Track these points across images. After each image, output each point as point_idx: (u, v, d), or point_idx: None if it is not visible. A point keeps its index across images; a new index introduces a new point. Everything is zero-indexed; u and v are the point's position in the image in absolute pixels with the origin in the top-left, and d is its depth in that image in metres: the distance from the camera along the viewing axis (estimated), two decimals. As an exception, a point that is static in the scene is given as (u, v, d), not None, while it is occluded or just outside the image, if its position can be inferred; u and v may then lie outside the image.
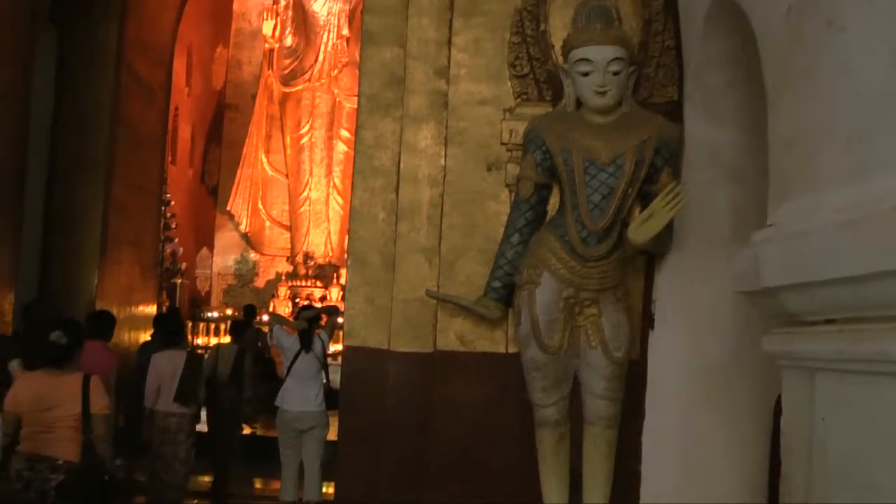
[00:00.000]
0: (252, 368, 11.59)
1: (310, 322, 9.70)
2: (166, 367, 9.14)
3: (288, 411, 9.32)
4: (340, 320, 7.78)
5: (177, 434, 9.12)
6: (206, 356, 11.09)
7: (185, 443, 9.20)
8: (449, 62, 6.40)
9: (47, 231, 13.61)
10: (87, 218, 13.79)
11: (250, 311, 15.63)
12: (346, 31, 23.41)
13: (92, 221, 13.84)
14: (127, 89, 14.67)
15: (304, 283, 22.48)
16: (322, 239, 23.05)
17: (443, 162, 6.33)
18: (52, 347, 6.51)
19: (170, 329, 9.90)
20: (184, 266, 21.23)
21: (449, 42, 6.43)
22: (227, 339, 14.48)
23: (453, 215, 6.29)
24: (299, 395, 9.26)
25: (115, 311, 13.69)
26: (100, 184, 13.88)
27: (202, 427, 10.37)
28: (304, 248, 22.92)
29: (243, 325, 13.30)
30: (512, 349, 6.08)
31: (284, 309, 21.27)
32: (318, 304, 20.58)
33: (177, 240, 20.44)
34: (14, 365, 7.95)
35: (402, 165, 6.37)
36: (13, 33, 11.40)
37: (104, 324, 9.05)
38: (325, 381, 9.48)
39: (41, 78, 12.65)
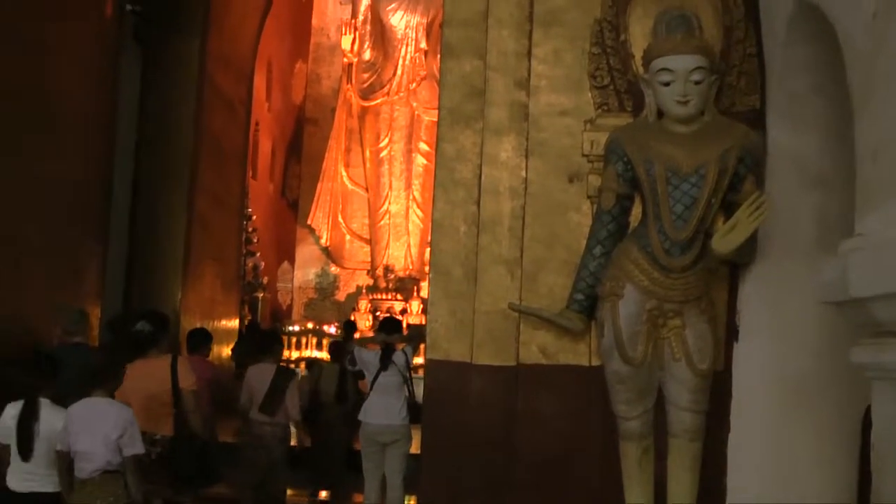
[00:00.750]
0: (354, 386, 11.64)
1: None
2: (259, 380, 9.41)
3: (370, 424, 9.34)
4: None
5: (269, 441, 9.37)
6: (303, 373, 11.29)
7: (277, 448, 9.45)
8: (529, 73, 6.39)
9: (132, 246, 13.81)
10: (170, 233, 13.97)
11: (350, 328, 15.46)
12: (423, 44, 23.50)
13: (175, 236, 14.02)
14: (209, 105, 14.85)
15: (384, 297, 22.55)
16: (402, 252, 23.12)
17: (524, 174, 6.32)
18: (138, 335, 7.15)
19: (262, 343, 10.10)
20: (265, 280, 21.41)
21: (529, 53, 6.42)
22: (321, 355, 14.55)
23: (535, 227, 6.27)
24: (382, 409, 9.27)
25: (198, 325, 14.01)
26: (183, 199, 14.07)
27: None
28: (385, 262, 23.00)
29: (342, 345, 13.34)
30: (595, 361, 6.04)
31: (365, 322, 21.35)
32: (399, 317, 20.70)
33: (258, 254, 20.63)
34: None
35: (483, 178, 6.37)
36: (100, 52, 11.63)
37: (202, 340, 9.50)
38: (408, 394, 9.49)
39: (126, 95, 12.86)
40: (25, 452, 6.15)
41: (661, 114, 5.79)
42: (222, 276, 15.80)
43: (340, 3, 24.93)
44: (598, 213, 5.96)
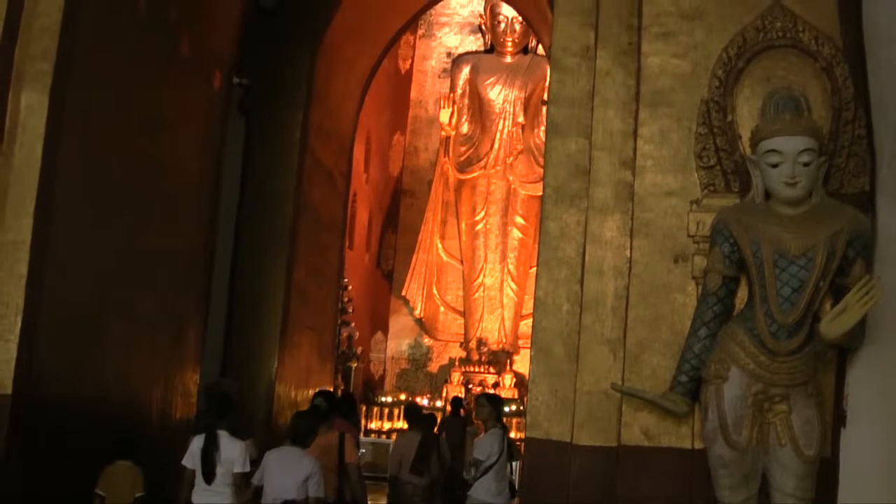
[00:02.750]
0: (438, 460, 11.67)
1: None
2: (407, 445, 10.82)
3: (472, 497, 9.38)
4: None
5: (413, 498, 10.61)
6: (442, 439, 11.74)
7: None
8: (635, 153, 6.41)
9: (231, 314, 13.96)
10: (269, 301, 14.10)
11: (457, 404, 15.31)
12: (521, 119, 23.62)
13: (274, 305, 14.15)
14: (310, 176, 15.05)
15: (477, 369, 22.47)
16: (496, 325, 23.07)
17: (628, 253, 6.31)
18: (315, 410, 8.47)
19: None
20: (359, 350, 21.47)
21: (634, 133, 6.44)
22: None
23: (639, 307, 6.24)
24: (482, 487, 9.30)
25: (292, 394, 14.13)
26: (282, 268, 14.21)
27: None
28: (478, 334, 22.95)
29: (419, 409, 13.36)
30: (698, 445, 5.97)
31: (457, 394, 21.28)
32: (491, 390, 20.62)
33: (353, 324, 20.72)
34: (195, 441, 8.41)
35: (586, 256, 6.37)
36: (208, 124, 11.87)
37: (351, 405, 10.42)
38: (511, 472, 9.57)
39: (229, 165, 13.08)
40: (208, 476, 7.43)
41: (768, 195, 5.74)
42: (318, 346, 15.89)
43: (439, 77, 25.22)
44: (703, 295, 5.92)
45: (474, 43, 25.05)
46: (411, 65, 25.39)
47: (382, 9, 16.51)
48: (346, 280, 19.02)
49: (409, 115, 25.26)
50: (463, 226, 23.71)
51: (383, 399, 21.97)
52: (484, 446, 9.44)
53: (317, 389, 15.35)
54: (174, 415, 11.14)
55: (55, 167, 8.52)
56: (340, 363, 19.42)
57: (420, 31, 25.09)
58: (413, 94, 25.33)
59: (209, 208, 12.13)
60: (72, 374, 8.96)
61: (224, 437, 7.54)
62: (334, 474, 8.34)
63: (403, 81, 25.05)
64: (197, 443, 7.60)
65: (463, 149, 23.87)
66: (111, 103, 9.50)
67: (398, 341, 24.08)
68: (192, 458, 7.57)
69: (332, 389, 16.54)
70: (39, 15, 8.59)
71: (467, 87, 24.21)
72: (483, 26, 24.57)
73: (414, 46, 25.31)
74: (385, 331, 24.17)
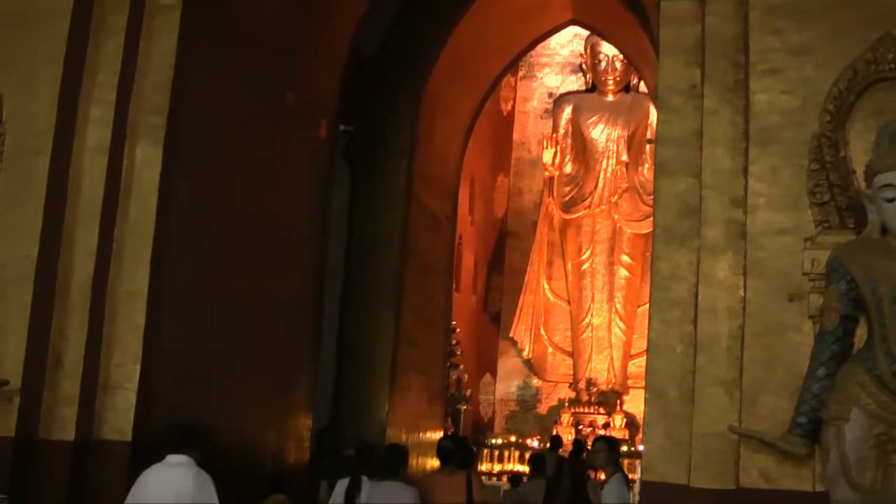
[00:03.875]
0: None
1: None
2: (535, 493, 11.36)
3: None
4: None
5: None
6: (505, 487, 11.79)
7: None
8: (746, 191, 6.33)
9: (341, 359, 14.07)
10: (378, 346, 14.19)
11: (556, 442, 15.20)
12: (624, 157, 23.57)
13: (383, 350, 14.22)
14: (415, 221, 15.14)
15: (586, 410, 22.32)
16: (605, 365, 22.90)
17: (742, 293, 6.22)
18: (441, 451, 8.90)
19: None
20: (468, 392, 21.46)
21: (745, 171, 6.37)
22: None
23: (754, 347, 6.14)
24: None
25: (403, 438, 14.13)
26: (390, 313, 14.30)
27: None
28: (587, 375, 22.81)
29: (543, 458, 13.26)
30: (819, 487, 5.84)
31: (567, 436, 21.14)
32: (602, 431, 20.44)
33: (462, 366, 20.71)
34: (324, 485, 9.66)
35: (699, 297, 6.30)
36: (315, 172, 12.03)
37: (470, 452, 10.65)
38: None
39: (336, 212, 13.23)
40: None
41: (885, 230, 5.62)
42: (428, 389, 15.93)
43: (541, 118, 25.26)
44: (820, 334, 5.80)
45: (575, 83, 25.09)
46: (513, 106, 25.50)
47: (483, 52, 16.60)
48: (453, 323, 19.04)
49: (513, 157, 25.35)
50: (569, 266, 23.66)
51: (493, 441, 21.88)
52: (612, 493, 9.31)
53: (428, 433, 15.46)
54: (287, 460, 11.23)
55: (169, 218, 8.72)
56: (450, 406, 19.41)
57: (521, 73, 25.19)
58: (516, 136, 25.41)
59: (318, 255, 12.27)
60: (185, 421, 9.09)
61: (365, 482, 8.26)
62: None
63: (505, 123, 25.15)
64: (341, 486, 8.36)
65: (567, 189, 23.87)
66: (221, 155, 9.70)
67: (507, 383, 24.05)
68: (337, 497, 8.35)
69: (442, 433, 16.56)
70: (151, 72, 8.83)
71: (570, 127, 24.25)
72: (584, 66, 24.59)
73: (515, 88, 25.43)
74: (493, 373, 24.14)
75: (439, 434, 16.23)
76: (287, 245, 11.27)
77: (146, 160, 8.64)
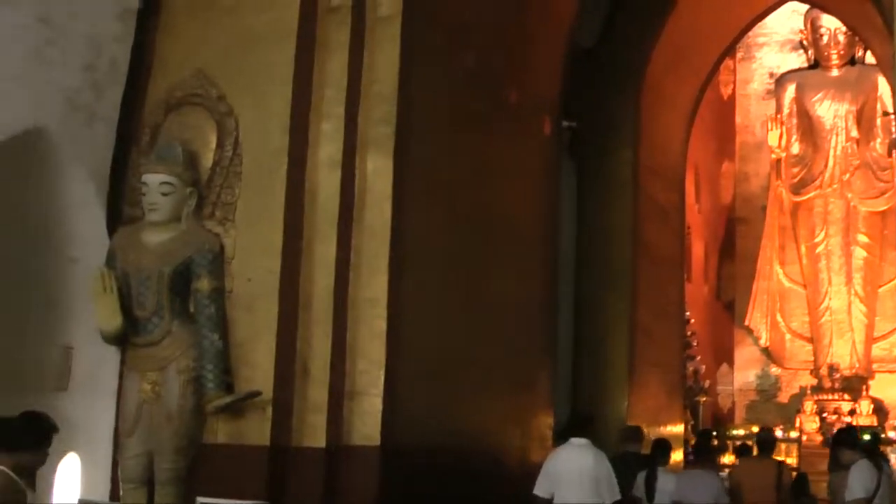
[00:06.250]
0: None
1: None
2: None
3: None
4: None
5: None
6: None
7: None
8: None
9: (577, 356, 14.05)
10: (613, 342, 14.14)
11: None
12: (854, 133, 22.69)
13: (619, 345, 14.16)
14: (644, 213, 15.01)
15: (830, 397, 21.52)
16: (846, 349, 22.03)
17: None
18: (764, 440, 11.00)
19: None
20: (706, 384, 21.07)
21: None
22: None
23: None
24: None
25: (644, 431, 13.94)
26: (625, 308, 14.22)
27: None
28: (828, 360, 21.99)
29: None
30: None
31: (811, 424, 20.53)
32: (848, 419, 19.73)
33: (698, 358, 20.37)
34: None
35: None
36: (540, 170, 12.01)
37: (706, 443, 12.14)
38: None
39: (563, 209, 13.18)
40: (650, 499, 9.88)
41: None
42: (666, 383, 15.73)
43: (763, 99, 24.57)
44: None
45: (797, 60, 24.26)
46: (733, 90, 24.91)
47: (699, 38, 16.33)
48: (687, 314, 18.74)
49: (737, 142, 24.76)
50: (803, 249, 22.95)
51: (734, 432, 21.40)
52: (855, 479, 8.87)
53: (668, 426, 15.24)
54: (531, 460, 11.22)
55: (403, 226, 8.87)
56: (688, 399, 19.12)
57: (739, 55, 24.51)
58: (738, 120, 24.81)
59: (548, 253, 12.25)
60: (430, 424, 9.23)
61: (661, 473, 9.99)
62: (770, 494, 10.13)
63: (727, 108, 24.59)
64: (640, 477, 10.01)
65: (795, 170, 23.18)
66: (448, 159, 9.81)
67: (745, 372, 23.51)
68: (638, 489, 9.97)
69: (682, 426, 16.33)
70: (376, 83, 9.01)
71: (794, 107, 23.58)
72: (804, 42, 23.79)
73: (734, 71, 24.81)
74: (730, 363, 23.65)
75: (679, 428, 16.04)
76: (519, 244, 11.28)
77: (377, 170, 8.82)
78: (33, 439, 6.08)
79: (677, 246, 17.07)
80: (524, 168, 11.56)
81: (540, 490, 8.76)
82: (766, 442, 11.22)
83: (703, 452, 11.27)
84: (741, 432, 21.30)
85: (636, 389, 14.33)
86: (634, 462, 10.57)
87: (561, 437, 12.06)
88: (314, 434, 8.41)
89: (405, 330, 8.84)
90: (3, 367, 8.50)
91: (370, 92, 9.00)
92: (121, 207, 8.99)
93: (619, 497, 8.95)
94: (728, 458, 20.57)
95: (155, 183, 8.27)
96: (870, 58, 20.65)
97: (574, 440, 8.92)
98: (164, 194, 8.26)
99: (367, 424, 8.53)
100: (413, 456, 8.79)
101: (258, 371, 8.26)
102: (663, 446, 10.98)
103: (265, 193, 8.53)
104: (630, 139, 14.74)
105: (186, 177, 8.38)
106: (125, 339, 8.22)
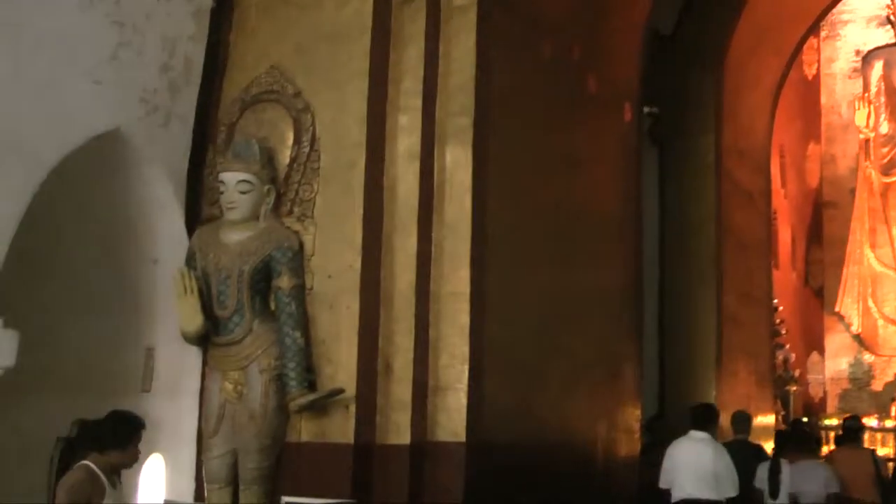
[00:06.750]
0: None
1: None
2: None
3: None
4: None
5: None
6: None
7: None
8: None
9: (663, 346, 13.85)
10: (701, 330, 13.89)
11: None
12: (947, 110, 22.18)
13: (706, 333, 13.92)
14: (728, 198, 14.74)
15: (927, 384, 21.10)
16: (946, 337, 21.61)
17: None
18: (849, 430, 11.37)
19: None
20: (796, 373, 20.70)
21: None
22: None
23: None
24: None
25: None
26: (712, 295, 13.97)
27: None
28: (924, 346, 21.59)
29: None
30: None
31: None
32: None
33: (788, 346, 20.02)
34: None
35: None
36: (622, 157, 11.83)
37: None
38: None
39: (647, 196, 12.99)
40: (773, 493, 9.54)
41: None
42: (755, 371, 15.43)
43: (849, 78, 24.07)
44: None
45: (884, 36, 23.74)
46: (817, 70, 24.44)
47: (781, 18, 15.98)
48: (775, 301, 18.39)
49: (822, 123, 24.26)
50: (894, 232, 22.42)
51: (827, 422, 20.97)
52: None
53: (759, 416, 14.94)
54: (619, 452, 11.07)
55: (484, 218, 8.72)
56: (778, 388, 18.79)
57: (823, 34, 24.00)
58: (823, 100, 24.32)
59: (633, 242, 12.05)
60: (516, 419, 9.10)
61: (784, 464, 9.67)
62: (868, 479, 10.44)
63: (811, 88, 24.12)
64: (762, 470, 9.76)
65: (885, 150, 22.73)
66: (528, 149, 9.66)
67: (836, 360, 23.02)
68: (760, 481, 9.71)
69: (773, 416, 16.05)
70: (453, 74, 8.87)
71: (882, 84, 23.16)
72: (891, 17, 23.30)
73: (818, 50, 24.33)
74: (821, 350, 23.21)
75: (770, 417, 15.78)
76: (603, 233, 11.11)
77: (457, 162, 8.68)
78: (122, 438, 6.18)
79: (764, 231, 16.75)
80: (606, 155, 11.38)
81: (664, 483, 9.43)
82: (851, 430, 11.55)
83: (804, 442, 10.71)
84: (834, 422, 20.87)
85: (724, 378, 14.07)
86: (748, 452, 10.45)
87: (647, 430, 11.97)
88: (398, 431, 8.28)
89: (489, 324, 8.69)
90: (87, 370, 8.54)
91: (447, 83, 8.86)
92: (200, 207, 8.96)
93: (738, 492, 9.33)
94: (826, 449, 20.27)
95: (232, 181, 8.22)
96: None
97: (693, 433, 9.38)
98: (242, 192, 8.21)
99: (452, 420, 8.39)
100: (499, 451, 8.66)
101: (341, 368, 8.17)
102: (791, 437, 10.79)
103: (343, 189, 8.43)
104: (713, 123, 14.46)
105: (264, 174, 8.32)
106: (206, 338, 8.20)
